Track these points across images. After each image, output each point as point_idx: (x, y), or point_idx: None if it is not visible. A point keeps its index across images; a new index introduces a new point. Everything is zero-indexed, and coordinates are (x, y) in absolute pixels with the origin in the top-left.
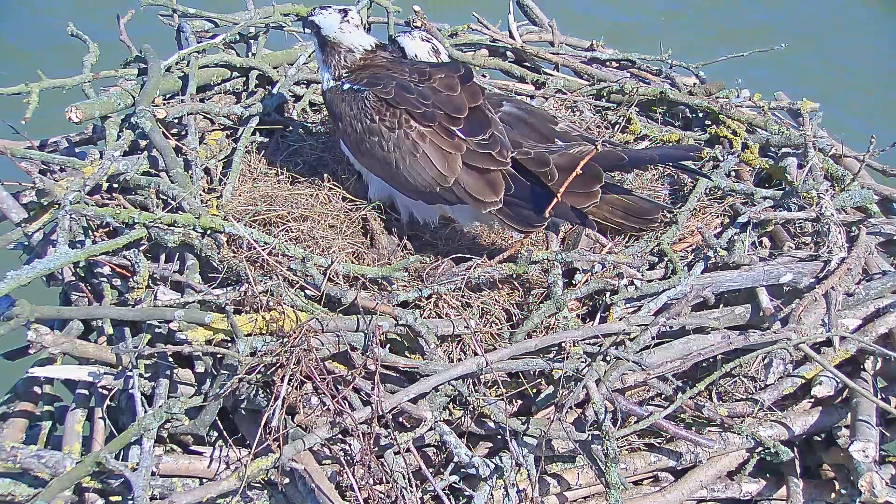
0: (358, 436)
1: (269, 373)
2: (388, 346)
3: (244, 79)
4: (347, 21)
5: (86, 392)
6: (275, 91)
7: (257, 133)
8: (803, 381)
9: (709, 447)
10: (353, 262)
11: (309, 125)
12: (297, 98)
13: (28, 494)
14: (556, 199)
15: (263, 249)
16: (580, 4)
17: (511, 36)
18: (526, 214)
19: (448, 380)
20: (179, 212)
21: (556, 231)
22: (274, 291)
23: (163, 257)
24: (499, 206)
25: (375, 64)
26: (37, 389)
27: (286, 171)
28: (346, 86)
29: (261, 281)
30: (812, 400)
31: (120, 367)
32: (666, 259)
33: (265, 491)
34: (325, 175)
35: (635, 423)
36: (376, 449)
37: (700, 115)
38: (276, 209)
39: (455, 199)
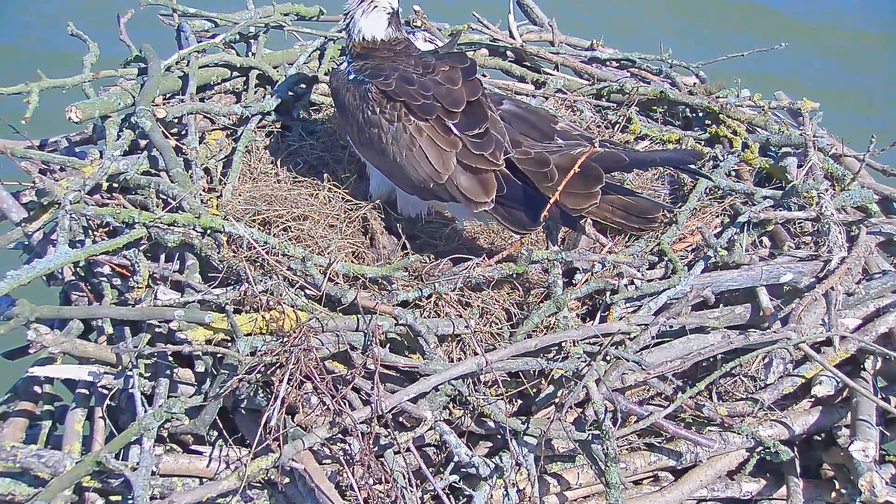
0: (357, 436)
1: (268, 373)
2: (388, 345)
3: (244, 78)
4: (367, 4)
5: (86, 392)
6: (275, 90)
7: (257, 133)
8: (803, 380)
9: (709, 447)
10: (353, 261)
11: (309, 125)
12: (298, 97)
13: (28, 494)
14: (549, 204)
15: (263, 249)
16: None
17: (511, 35)
18: (519, 216)
19: (448, 379)
20: (179, 211)
21: (555, 231)
22: (274, 291)
23: (163, 257)
24: (491, 206)
25: (382, 55)
26: (37, 389)
27: (286, 171)
28: (352, 76)
29: (261, 281)
30: (812, 399)
31: (120, 367)
32: (666, 259)
33: (265, 490)
34: (325, 175)
35: (635, 422)
36: (376, 448)
37: (700, 114)
38: (276, 209)
39: (448, 197)
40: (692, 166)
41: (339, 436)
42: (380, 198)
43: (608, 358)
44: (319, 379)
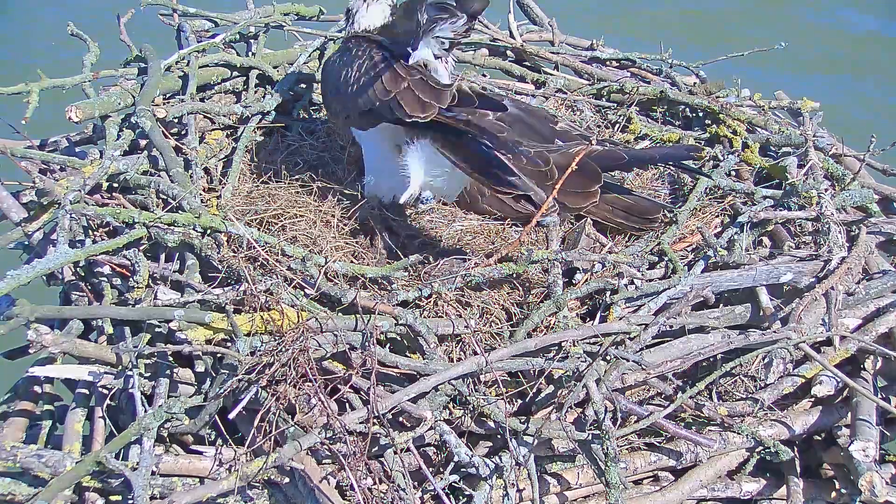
0: (346, 438)
1: (266, 372)
2: (388, 345)
3: (244, 78)
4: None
5: (86, 391)
6: (275, 90)
7: (257, 133)
8: (803, 380)
9: (709, 447)
10: (352, 261)
11: (308, 125)
12: (298, 97)
13: (28, 494)
14: (548, 200)
15: (263, 249)
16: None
17: (511, 35)
18: (491, 171)
19: (448, 379)
20: (179, 211)
21: (555, 231)
22: (273, 291)
23: (163, 257)
24: (429, 119)
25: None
26: (37, 389)
27: (286, 171)
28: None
29: (260, 280)
30: (812, 399)
31: (120, 367)
32: (666, 258)
33: (265, 490)
34: (324, 174)
35: (635, 422)
36: (375, 448)
37: (700, 114)
38: (275, 208)
39: (389, 114)
40: (692, 165)
41: (339, 436)
42: (375, 196)
43: (608, 358)
44: (314, 380)
